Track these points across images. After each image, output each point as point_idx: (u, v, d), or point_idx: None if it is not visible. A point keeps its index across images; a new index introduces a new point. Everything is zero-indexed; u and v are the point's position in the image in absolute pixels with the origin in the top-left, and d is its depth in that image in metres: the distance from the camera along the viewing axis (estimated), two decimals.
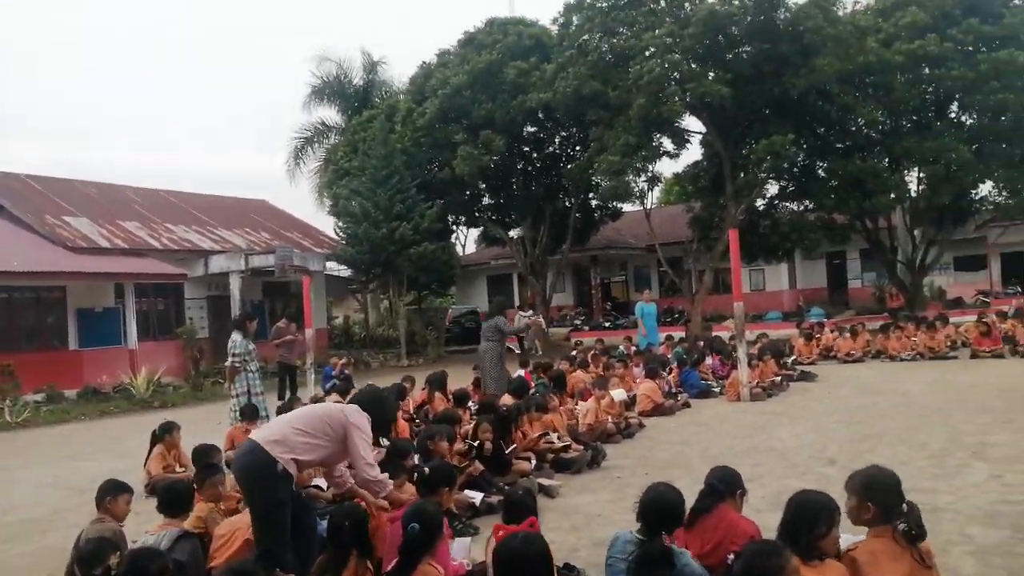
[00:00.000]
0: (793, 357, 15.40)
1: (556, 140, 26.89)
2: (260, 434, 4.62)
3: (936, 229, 24.06)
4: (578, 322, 28.60)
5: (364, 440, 4.66)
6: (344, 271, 27.08)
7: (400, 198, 22.78)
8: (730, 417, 10.38)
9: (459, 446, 7.03)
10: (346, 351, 23.80)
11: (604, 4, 22.46)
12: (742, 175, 22.90)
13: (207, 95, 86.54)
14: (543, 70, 22.35)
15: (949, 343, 15.68)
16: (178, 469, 8.30)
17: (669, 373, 12.46)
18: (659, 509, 3.79)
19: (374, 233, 22.08)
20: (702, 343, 16.12)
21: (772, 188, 24.86)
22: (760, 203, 24.75)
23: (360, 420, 4.67)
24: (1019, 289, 27.84)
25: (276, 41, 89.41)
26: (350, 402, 5.06)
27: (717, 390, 12.42)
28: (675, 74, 20.41)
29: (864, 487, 3.43)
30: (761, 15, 20.00)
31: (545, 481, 6.94)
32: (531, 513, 4.18)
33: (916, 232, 24.28)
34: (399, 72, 56.10)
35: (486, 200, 27.57)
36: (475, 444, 7.01)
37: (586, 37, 22.46)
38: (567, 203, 27.29)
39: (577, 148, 26.20)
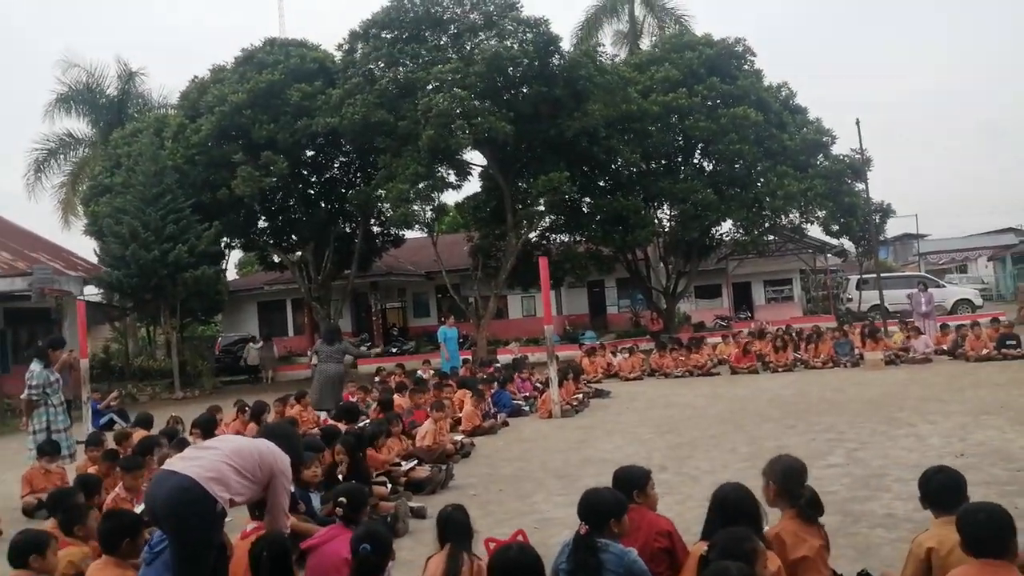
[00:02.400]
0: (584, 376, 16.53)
1: (336, 165, 26.64)
2: (189, 466, 4.14)
3: (684, 261, 26.99)
4: (363, 348, 28.27)
5: (287, 489, 4.51)
6: (98, 296, 24.68)
7: (173, 218, 21.31)
8: (550, 433, 11.02)
9: (316, 470, 6.89)
10: (106, 383, 21.69)
11: (389, 35, 22.87)
12: (520, 207, 24.21)
13: None
14: (328, 94, 22.14)
15: (713, 361, 17.75)
16: None
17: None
18: (737, 507, 3.85)
19: (144, 255, 20.42)
20: (494, 366, 16.88)
21: (543, 221, 26.48)
22: (533, 235, 26.22)
23: (287, 467, 4.48)
24: (749, 314, 31.96)
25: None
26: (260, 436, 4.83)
27: (527, 408, 13.07)
28: (461, 108, 21.17)
29: (776, 472, 4.09)
30: (538, 60, 21.40)
31: (412, 503, 7.00)
32: (467, 529, 4.25)
33: (669, 264, 27.07)
34: (158, 85, 52.35)
35: (262, 223, 26.54)
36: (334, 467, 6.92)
37: (371, 66, 22.70)
38: (348, 228, 27.10)
39: (359, 174, 26.16)
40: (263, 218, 26.19)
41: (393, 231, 27.79)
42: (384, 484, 7.50)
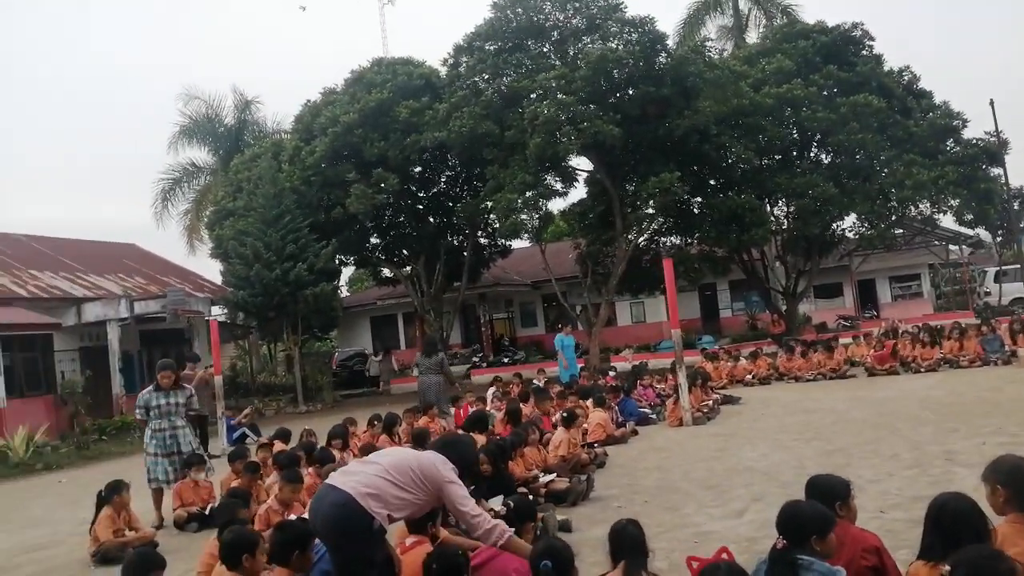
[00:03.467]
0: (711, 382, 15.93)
1: (443, 178, 26.90)
2: (348, 481, 4.09)
3: (804, 259, 25.84)
4: (476, 359, 28.45)
5: (463, 493, 4.35)
6: (222, 316, 25.74)
7: (292, 238, 21.98)
8: (685, 442, 10.57)
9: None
10: (233, 399, 22.53)
11: (492, 47, 22.94)
12: (629, 211, 23.75)
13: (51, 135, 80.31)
14: (435, 109, 22.36)
15: (848, 363, 16.80)
16: (128, 532, 7.46)
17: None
18: (960, 519, 3.35)
19: (267, 274, 21.13)
20: (610, 374, 16.52)
21: (653, 224, 25.90)
22: (642, 239, 25.68)
23: (453, 474, 4.34)
24: (874, 313, 30.34)
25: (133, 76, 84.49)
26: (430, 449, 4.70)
27: (654, 416, 12.66)
28: (567, 114, 20.94)
29: (1004, 473, 3.53)
30: (644, 60, 20.96)
31: (558, 516, 6.74)
32: (643, 545, 3.96)
33: (787, 263, 25.97)
34: (272, 112, 54.67)
35: (374, 239, 27.10)
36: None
37: (476, 78, 22.83)
38: (456, 241, 27.34)
39: (466, 187, 26.35)
40: (375, 234, 26.75)
41: (501, 242, 27.86)
42: (526, 495, 7.29)
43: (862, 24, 24.08)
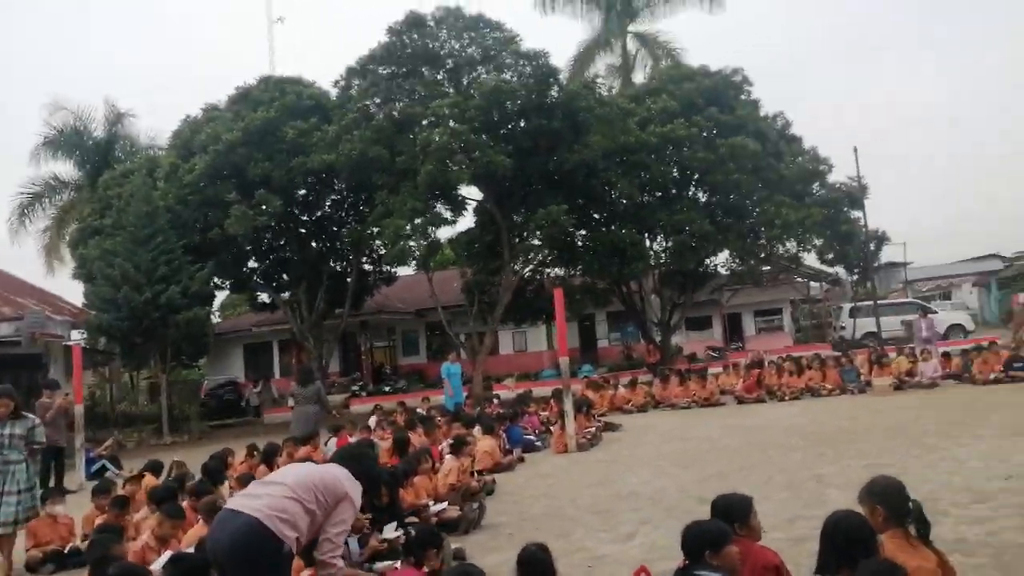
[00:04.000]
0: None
1: (328, 202, 26.37)
2: (249, 504, 3.87)
3: (679, 292, 26.90)
4: (355, 388, 27.85)
5: (348, 517, 4.19)
6: (81, 341, 24.10)
7: (165, 259, 20.91)
8: (570, 468, 10.72)
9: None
10: (90, 430, 21.04)
11: (385, 71, 22.88)
12: (517, 241, 24.08)
13: None
14: (324, 131, 22.01)
15: (719, 392, 17.56)
16: None
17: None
18: (852, 535, 3.57)
19: (135, 297, 19.98)
20: (494, 402, 16.63)
21: (540, 255, 26.31)
22: (526, 270, 26.03)
23: (356, 494, 4.18)
24: (740, 344, 31.87)
25: None
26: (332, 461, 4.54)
27: (539, 444, 12.78)
28: (460, 143, 21.08)
29: (879, 494, 3.74)
30: (536, 93, 21.42)
31: (452, 544, 6.68)
32: (552, 570, 3.99)
33: (663, 295, 26.97)
34: (146, 126, 52.01)
35: (253, 263, 26.21)
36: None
37: (368, 102, 22.68)
38: (339, 267, 26.87)
39: (351, 212, 25.99)
40: (253, 258, 25.89)
41: (386, 268, 27.58)
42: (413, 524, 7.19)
43: (742, 70, 25.50)
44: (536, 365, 31.56)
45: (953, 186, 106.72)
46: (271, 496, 3.94)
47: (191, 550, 5.84)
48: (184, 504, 7.46)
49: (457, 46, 22.73)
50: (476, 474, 9.95)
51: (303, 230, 25.75)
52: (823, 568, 3.54)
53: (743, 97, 25.41)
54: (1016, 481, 7.32)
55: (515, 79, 21.49)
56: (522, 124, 22.24)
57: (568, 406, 12.08)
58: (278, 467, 10.31)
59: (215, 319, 34.83)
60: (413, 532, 4.49)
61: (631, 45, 33.55)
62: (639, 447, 12.16)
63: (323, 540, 4.04)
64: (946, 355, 18.43)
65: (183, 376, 32.98)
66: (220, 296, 32.20)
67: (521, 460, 11.47)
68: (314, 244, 26.03)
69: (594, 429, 13.35)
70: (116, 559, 4.78)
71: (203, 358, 30.59)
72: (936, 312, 28.15)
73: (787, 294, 33.44)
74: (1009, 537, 5.76)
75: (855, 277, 28.33)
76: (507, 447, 11.81)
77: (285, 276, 26.06)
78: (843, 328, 30.19)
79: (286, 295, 26.27)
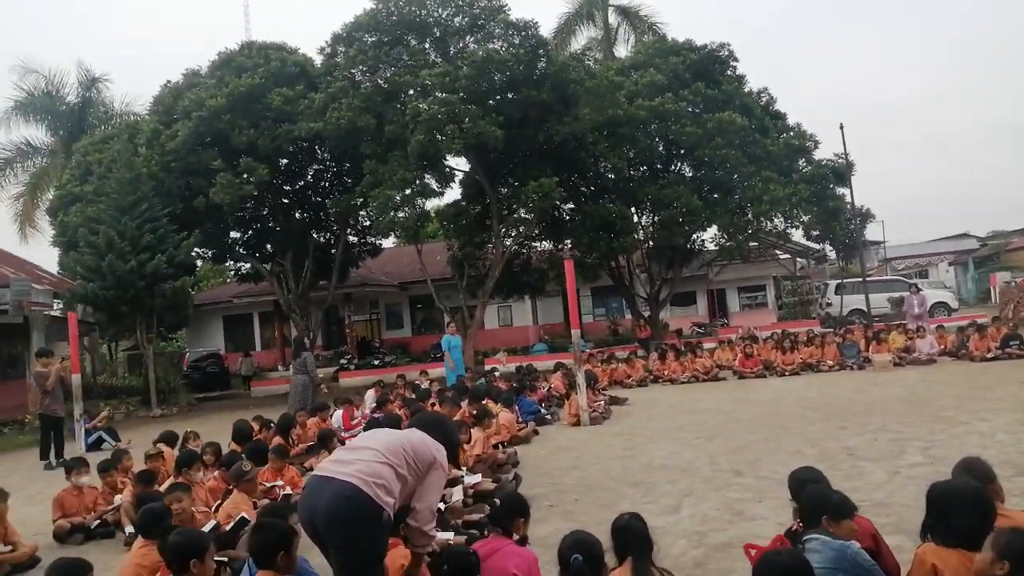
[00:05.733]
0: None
1: (311, 172, 25.85)
2: (344, 471, 3.65)
3: (667, 268, 26.87)
4: (344, 361, 27.49)
5: (441, 483, 4.01)
6: (58, 310, 23.45)
7: (150, 228, 20.35)
8: (590, 441, 10.60)
9: None
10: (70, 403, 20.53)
11: (371, 39, 22.33)
12: (506, 214, 23.83)
13: None
14: (311, 99, 21.47)
15: (717, 366, 17.56)
16: (2, 548, 6.54)
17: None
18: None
19: (120, 266, 19.42)
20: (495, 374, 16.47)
21: (531, 229, 26.07)
22: (513, 244, 25.77)
23: (444, 459, 3.98)
24: (725, 321, 32.04)
25: None
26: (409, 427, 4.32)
27: (549, 416, 12.66)
28: (451, 113, 20.69)
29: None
30: (526, 64, 21.03)
31: None
32: (648, 539, 3.84)
33: (652, 271, 26.93)
34: (120, 92, 50.73)
35: (235, 233, 25.65)
36: None
37: (354, 70, 22.19)
38: (323, 238, 26.43)
39: (335, 182, 25.51)
40: (237, 228, 25.34)
41: (372, 240, 27.20)
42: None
43: (728, 45, 25.35)
44: (522, 340, 31.46)
45: (927, 166, 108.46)
46: (363, 461, 3.72)
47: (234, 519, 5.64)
48: (215, 474, 7.26)
49: (444, 14, 22.20)
50: (494, 446, 9.80)
51: (286, 200, 25.22)
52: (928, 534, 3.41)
53: (729, 73, 25.26)
54: None
55: (504, 50, 21.08)
56: (511, 95, 21.86)
57: (581, 379, 11.94)
58: (294, 439, 10.08)
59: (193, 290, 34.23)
60: (498, 502, 4.29)
61: (613, 18, 33.28)
62: (653, 420, 12.09)
63: (422, 509, 3.84)
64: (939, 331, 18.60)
65: (162, 348, 32.38)
66: (199, 267, 31.58)
67: (536, 432, 11.33)
68: (298, 215, 25.53)
69: (603, 402, 13.25)
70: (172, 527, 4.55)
71: (183, 329, 30.05)
72: (921, 290, 28.43)
73: (771, 271, 33.62)
74: None
75: (842, 254, 28.49)
76: (520, 420, 11.65)
77: (269, 247, 25.53)
78: (829, 305, 30.44)
79: (267, 266, 25.77)
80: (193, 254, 23.69)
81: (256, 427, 10.25)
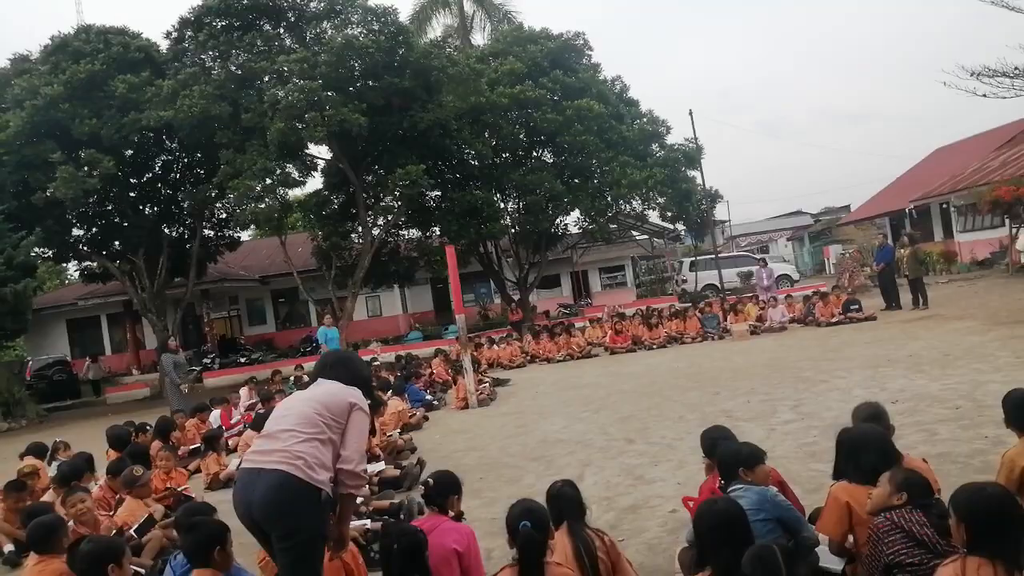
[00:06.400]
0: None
1: (158, 163, 24.47)
2: (269, 460, 3.53)
3: (534, 252, 27.45)
4: (207, 361, 26.25)
5: (364, 425, 3.84)
6: None
7: None
8: (481, 422, 10.79)
9: None
10: None
11: (222, 23, 21.40)
12: (373, 202, 23.55)
13: None
14: (159, 86, 20.33)
15: (589, 343, 18.20)
16: None
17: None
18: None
19: None
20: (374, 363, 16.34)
21: (397, 217, 25.87)
22: (381, 232, 25.48)
23: (360, 399, 3.80)
24: (589, 301, 33.11)
25: None
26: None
27: (436, 402, 12.75)
28: (311, 100, 20.17)
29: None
30: (387, 51, 20.79)
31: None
32: (581, 504, 4.03)
33: (520, 255, 27.43)
34: None
35: (78, 230, 23.92)
36: None
37: (204, 56, 21.25)
38: (175, 233, 25.15)
39: (187, 172, 24.32)
40: (78, 224, 23.64)
41: (229, 233, 26.14)
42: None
43: (583, 34, 26.13)
44: (393, 329, 31.25)
45: (764, 148, 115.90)
46: (285, 445, 3.59)
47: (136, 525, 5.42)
48: (101, 483, 6.89)
49: None
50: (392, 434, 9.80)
51: (133, 194, 23.76)
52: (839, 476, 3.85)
53: (585, 61, 26.06)
54: (902, 404, 8.16)
55: (364, 36, 20.76)
56: (373, 83, 21.56)
57: (467, 363, 12.10)
58: (174, 441, 9.66)
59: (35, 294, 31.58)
60: (432, 482, 4.35)
61: (468, 6, 33.45)
62: (538, 398, 12.42)
63: (349, 453, 3.68)
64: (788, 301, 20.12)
65: (0, 357, 29.72)
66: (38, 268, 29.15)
67: (426, 418, 11.39)
68: (148, 209, 24.15)
69: (487, 384, 13.47)
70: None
71: (20, 337, 27.70)
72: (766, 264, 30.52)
73: (630, 251, 34.98)
74: (924, 450, 6.44)
75: (694, 233, 30.05)
76: (409, 407, 11.66)
77: (117, 244, 24.01)
78: (685, 281, 32.06)
79: (118, 264, 24.21)
80: (33, 254, 21.91)
81: (131, 432, 9.71)
